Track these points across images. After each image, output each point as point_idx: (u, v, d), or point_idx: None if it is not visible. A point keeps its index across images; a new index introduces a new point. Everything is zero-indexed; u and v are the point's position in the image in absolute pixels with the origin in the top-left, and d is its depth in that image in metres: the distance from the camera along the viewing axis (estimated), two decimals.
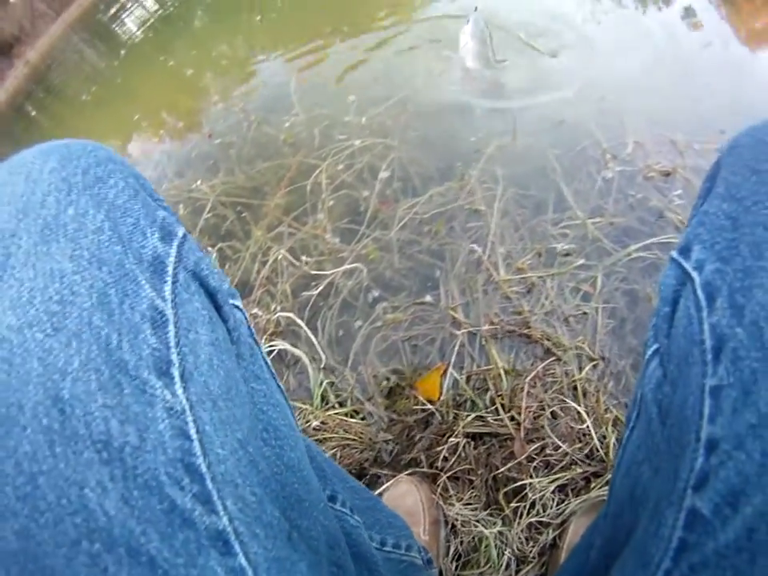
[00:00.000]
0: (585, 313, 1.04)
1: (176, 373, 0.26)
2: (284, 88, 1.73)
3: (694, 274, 0.31)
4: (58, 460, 0.22)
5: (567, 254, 1.15)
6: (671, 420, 0.32)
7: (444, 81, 1.65)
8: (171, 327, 0.27)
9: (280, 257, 1.17)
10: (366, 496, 0.63)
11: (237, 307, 0.37)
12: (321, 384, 0.99)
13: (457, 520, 0.85)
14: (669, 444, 0.32)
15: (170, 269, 0.28)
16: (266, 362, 0.40)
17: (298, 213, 1.30)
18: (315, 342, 1.04)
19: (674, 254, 0.35)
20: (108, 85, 2.38)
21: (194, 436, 0.25)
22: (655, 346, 0.37)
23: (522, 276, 1.11)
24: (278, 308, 1.10)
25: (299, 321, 1.06)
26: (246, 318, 0.38)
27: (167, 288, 0.28)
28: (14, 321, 0.23)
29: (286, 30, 2.10)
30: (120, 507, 0.23)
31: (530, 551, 0.81)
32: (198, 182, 1.41)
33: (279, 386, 0.41)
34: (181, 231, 0.31)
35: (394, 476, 0.90)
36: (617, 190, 1.25)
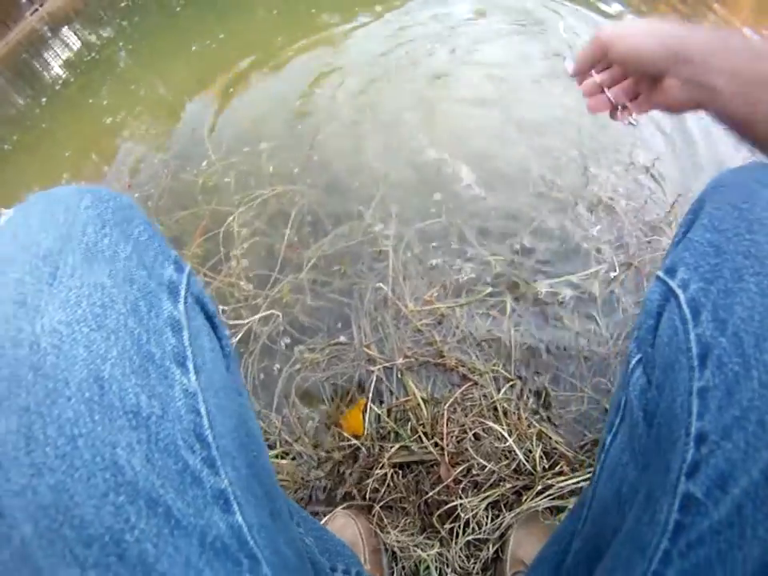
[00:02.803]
0: (497, 337, 1.08)
1: (191, 365, 0.33)
2: (201, 132, 1.74)
3: (679, 291, 0.36)
4: (95, 425, 0.27)
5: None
6: (659, 420, 0.37)
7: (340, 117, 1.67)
8: (186, 332, 0.34)
9: None
10: (314, 526, 0.66)
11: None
12: None
13: (395, 546, 0.87)
14: (657, 442, 0.36)
15: (182, 292, 0.36)
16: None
17: (215, 261, 1.31)
18: None
19: (660, 273, 0.39)
20: (32, 130, 2.33)
21: (204, 413, 0.32)
22: (638, 356, 0.42)
23: (431, 308, 1.15)
24: None
25: None
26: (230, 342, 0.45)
27: (180, 305, 0.35)
28: (63, 317, 0.28)
29: (209, 69, 2.11)
30: (144, 464, 0.28)
31: (473, 567, 0.84)
32: None
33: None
34: (188, 267, 0.39)
35: (331, 511, 0.92)
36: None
